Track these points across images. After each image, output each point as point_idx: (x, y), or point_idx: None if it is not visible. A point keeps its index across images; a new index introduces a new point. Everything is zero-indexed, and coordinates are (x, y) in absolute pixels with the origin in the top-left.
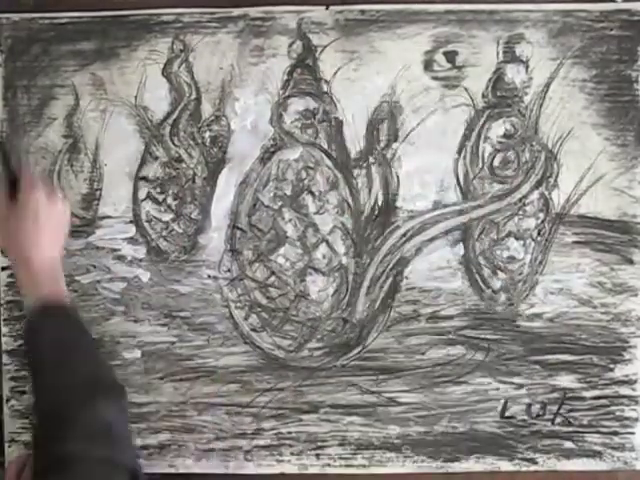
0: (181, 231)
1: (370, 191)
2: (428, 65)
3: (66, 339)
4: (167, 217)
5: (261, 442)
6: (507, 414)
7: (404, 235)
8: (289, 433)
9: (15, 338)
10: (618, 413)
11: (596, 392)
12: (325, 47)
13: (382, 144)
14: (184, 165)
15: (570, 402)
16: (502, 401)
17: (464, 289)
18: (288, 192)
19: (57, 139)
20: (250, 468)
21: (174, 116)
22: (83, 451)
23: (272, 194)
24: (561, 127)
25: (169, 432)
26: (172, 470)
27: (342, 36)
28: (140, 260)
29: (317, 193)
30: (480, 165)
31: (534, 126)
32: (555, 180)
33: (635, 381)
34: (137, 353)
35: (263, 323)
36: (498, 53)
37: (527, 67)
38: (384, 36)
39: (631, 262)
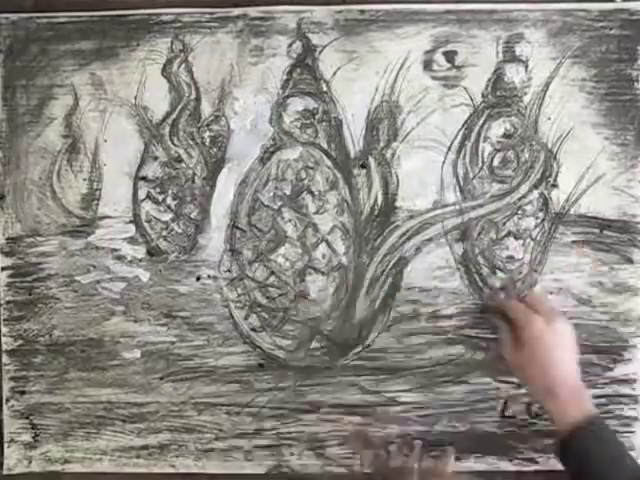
0: (181, 231)
1: (370, 191)
2: (428, 65)
3: (606, 451)
4: (167, 217)
5: (261, 442)
6: (507, 414)
7: (404, 235)
8: (289, 433)
9: (15, 338)
10: (618, 412)
11: (596, 391)
12: (325, 47)
13: (382, 144)
14: (184, 165)
15: None
16: (502, 401)
17: (463, 289)
18: (288, 192)
19: (56, 139)
20: (250, 468)
21: (174, 116)
22: None
23: (272, 194)
24: (561, 127)
25: (169, 432)
26: (172, 470)
27: (342, 36)
28: (140, 260)
29: (317, 193)
30: (480, 165)
31: (534, 126)
32: (555, 180)
33: (635, 380)
34: (137, 353)
35: (263, 323)
36: (498, 53)
37: (527, 67)
38: (384, 36)
39: (631, 262)
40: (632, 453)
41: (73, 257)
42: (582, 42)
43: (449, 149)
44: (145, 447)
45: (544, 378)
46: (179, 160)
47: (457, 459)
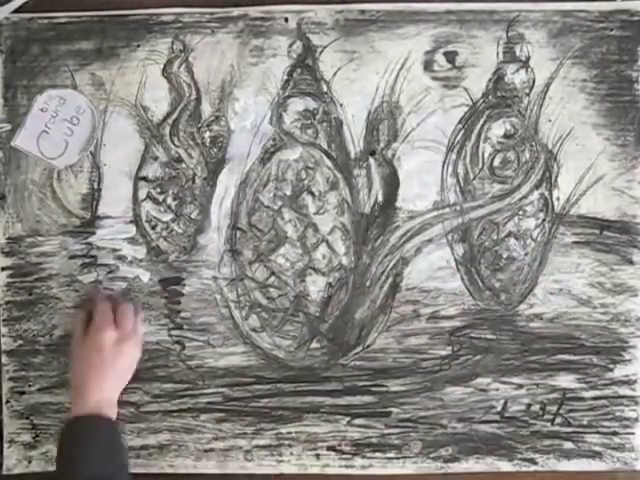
0: (181, 231)
1: (370, 191)
2: (428, 65)
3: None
4: (167, 217)
5: (261, 442)
6: (507, 414)
7: (404, 235)
8: (289, 433)
9: (15, 338)
10: (618, 413)
11: (596, 392)
12: (325, 47)
13: (382, 144)
14: (184, 165)
15: (570, 402)
16: (502, 401)
17: (464, 289)
18: (288, 192)
19: None
20: (250, 468)
21: (174, 116)
22: None
23: (272, 194)
24: (561, 127)
25: (169, 432)
26: (172, 470)
27: (342, 36)
28: (140, 260)
29: (317, 193)
30: (480, 165)
31: (534, 126)
32: (555, 180)
33: (635, 381)
34: None
35: (263, 323)
36: (498, 53)
37: (527, 67)
38: (384, 36)
39: (631, 262)
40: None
41: (73, 257)
42: (582, 43)
43: (449, 149)
44: (145, 447)
45: (84, 378)
46: (179, 160)
47: (457, 460)
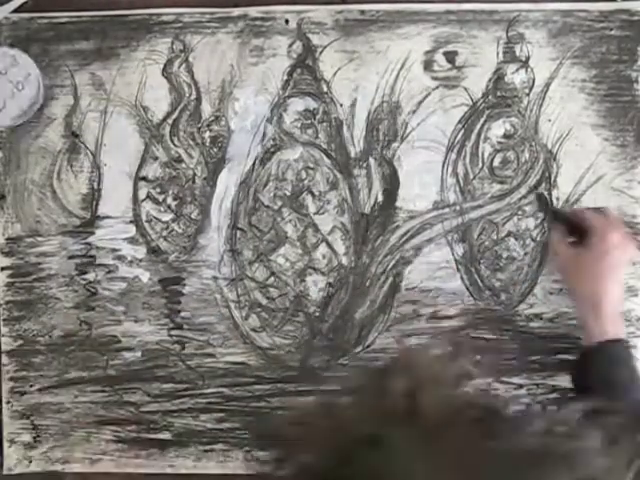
0: (181, 231)
1: (370, 191)
2: (428, 65)
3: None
4: (167, 217)
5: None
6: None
7: (404, 235)
8: None
9: (15, 338)
10: None
11: None
12: (325, 47)
13: (382, 144)
14: (184, 165)
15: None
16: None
17: (464, 289)
18: (288, 192)
19: (57, 139)
20: (250, 468)
21: (174, 116)
22: None
23: (272, 194)
24: (561, 127)
25: (169, 432)
26: (172, 470)
27: (342, 36)
28: (140, 260)
29: (317, 193)
30: (480, 165)
31: (534, 126)
32: (555, 180)
33: None
34: (137, 353)
35: (263, 323)
36: (498, 53)
37: (527, 67)
38: (384, 36)
39: (631, 262)
40: None
41: (73, 257)
42: (582, 43)
43: (449, 149)
44: (145, 447)
45: (595, 287)
46: (179, 160)
47: None
